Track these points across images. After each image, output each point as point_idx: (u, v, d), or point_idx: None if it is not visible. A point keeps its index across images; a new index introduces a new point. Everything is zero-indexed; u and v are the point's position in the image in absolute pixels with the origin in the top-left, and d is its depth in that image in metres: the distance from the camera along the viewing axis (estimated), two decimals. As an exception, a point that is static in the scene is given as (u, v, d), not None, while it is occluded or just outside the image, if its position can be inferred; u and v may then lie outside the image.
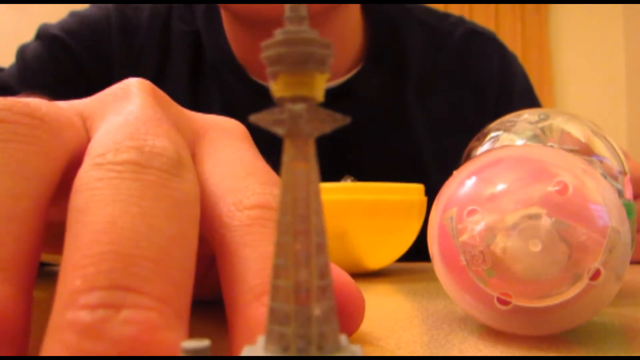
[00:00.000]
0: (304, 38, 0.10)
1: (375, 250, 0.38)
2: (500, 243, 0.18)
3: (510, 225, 0.18)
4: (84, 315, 0.11)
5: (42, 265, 0.32)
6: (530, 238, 0.18)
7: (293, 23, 0.10)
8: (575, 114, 0.26)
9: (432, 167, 0.59)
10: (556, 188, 0.18)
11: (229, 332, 0.15)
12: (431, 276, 0.36)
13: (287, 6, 0.10)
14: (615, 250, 0.18)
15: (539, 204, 0.18)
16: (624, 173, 0.24)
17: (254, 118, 0.10)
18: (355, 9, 0.57)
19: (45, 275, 0.28)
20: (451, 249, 0.20)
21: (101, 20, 0.58)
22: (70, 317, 0.11)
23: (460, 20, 0.66)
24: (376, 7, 0.60)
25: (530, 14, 3.16)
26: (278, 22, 0.10)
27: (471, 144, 0.27)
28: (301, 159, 0.10)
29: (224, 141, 0.21)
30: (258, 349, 0.10)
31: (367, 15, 0.60)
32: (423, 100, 0.60)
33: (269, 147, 0.21)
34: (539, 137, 0.24)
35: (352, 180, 0.40)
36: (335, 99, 0.54)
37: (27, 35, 0.61)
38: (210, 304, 0.22)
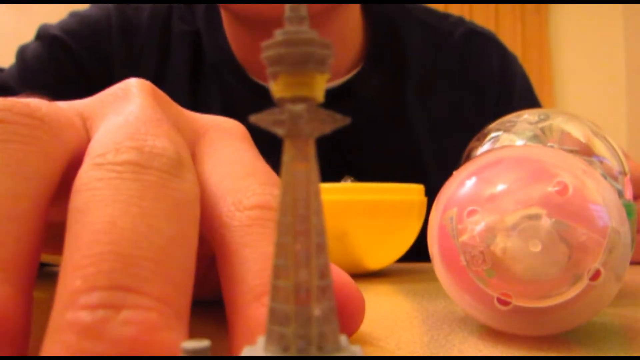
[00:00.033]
0: (304, 38, 0.10)
1: (375, 251, 0.38)
2: (500, 243, 0.18)
3: (510, 225, 0.18)
4: (84, 316, 0.11)
5: (43, 265, 0.32)
6: (530, 238, 0.18)
7: (293, 23, 0.10)
8: (575, 114, 0.26)
9: (432, 167, 0.59)
10: (556, 188, 0.18)
11: (229, 332, 0.15)
12: (431, 276, 0.36)
13: (287, 6, 0.10)
14: (615, 251, 0.18)
15: (539, 204, 0.18)
16: (624, 173, 0.24)
17: (253, 118, 0.10)
18: (355, 9, 0.57)
19: (45, 275, 0.28)
20: (451, 249, 0.20)
21: (101, 21, 0.58)
22: (70, 317, 0.11)
23: (460, 20, 0.66)
24: (376, 7, 0.60)
25: (530, 14, 3.16)
26: (278, 22, 0.10)
27: (471, 144, 0.27)
28: (301, 159, 0.10)
29: (224, 141, 0.21)
30: (258, 350, 0.10)
31: (367, 15, 0.60)
32: (423, 101, 0.60)
33: (269, 148, 0.21)
34: (539, 137, 0.24)
35: (352, 181, 0.40)
36: (335, 99, 0.54)
37: (27, 35, 0.61)
38: (210, 304, 0.22)
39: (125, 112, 0.17)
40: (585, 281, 0.18)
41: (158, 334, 0.12)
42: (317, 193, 0.10)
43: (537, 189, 0.18)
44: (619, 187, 0.24)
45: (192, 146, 0.20)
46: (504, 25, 3.13)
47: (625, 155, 0.26)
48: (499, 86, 0.63)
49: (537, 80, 2.92)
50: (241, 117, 0.21)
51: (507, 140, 0.25)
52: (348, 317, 0.17)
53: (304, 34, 0.10)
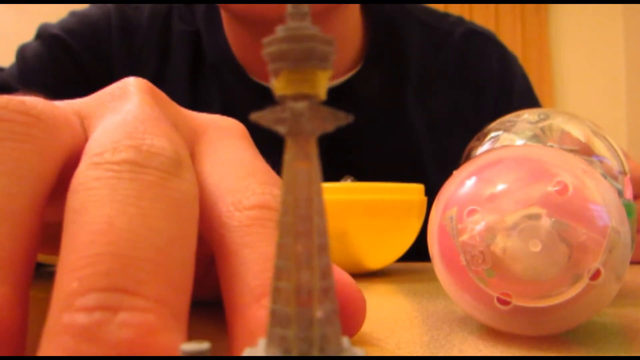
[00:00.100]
0: (306, 34, 0.10)
1: (375, 250, 0.38)
2: (500, 243, 0.18)
3: (510, 225, 0.18)
4: (81, 318, 0.11)
5: (42, 266, 0.32)
6: (530, 238, 0.18)
7: (295, 19, 0.10)
8: (575, 114, 0.26)
9: (432, 167, 0.59)
10: (556, 188, 0.18)
11: (229, 333, 0.15)
12: (431, 276, 0.36)
13: (288, 5, 0.10)
14: (615, 251, 0.18)
15: (539, 204, 0.18)
16: (624, 173, 0.24)
17: (254, 116, 0.10)
18: (354, 9, 0.57)
19: (46, 275, 0.28)
20: (451, 249, 0.20)
21: (101, 20, 0.58)
22: (66, 319, 0.11)
23: (460, 20, 0.66)
24: (376, 7, 0.60)
25: (530, 14, 3.16)
26: (278, 22, 0.10)
27: (471, 144, 0.27)
28: (303, 158, 0.10)
29: (223, 140, 0.21)
30: (259, 352, 0.10)
31: (366, 15, 0.60)
32: (423, 100, 0.60)
33: (269, 147, 0.21)
34: (539, 137, 0.24)
35: (352, 180, 0.40)
36: (334, 98, 0.54)
37: (27, 35, 0.61)
38: (210, 304, 0.22)
39: (123, 111, 0.17)
40: (585, 281, 0.18)
41: (156, 336, 0.11)
42: (319, 193, 0.10)
43: (537, 188, 0.18)
44: (619, 187, 0.24)
45: (191, 145, 0.20)
46: (504, 25, 3.13)
47: (625, 155, 0.26)
48: (498, 86, 0.63)
49: (537, 80, 2.92)
50: (241, 117, 0.21)
51: (507, 140, 0.25)
52: (349, 318, 0.17)
53: (306, 30, 0.10)
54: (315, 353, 0.10)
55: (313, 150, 0.10)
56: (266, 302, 0.14)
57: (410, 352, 0.18)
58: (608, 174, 0.23)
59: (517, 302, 0.18)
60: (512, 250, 0.18)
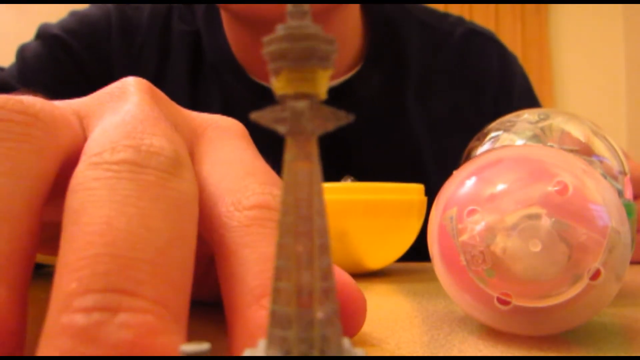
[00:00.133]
0: (306, 33, 0.10)
1: (375, 250, 0.38)
2: (500, 243, 0.18)
3: (510, 225, 0.18)
4: (79, 319, 0.11)
5: (41, 266, 0.32)
6: (530, 238, 0.18)
7: (295, 18, 0.10)
8: (575, 114, 0.26)
9: (432, 167, 0.59)
10: (556, 188, 0.18)
11: (229, 334, 0.15)
12: (431, 276, 0.36)
13: (289, 4, 0.10)
14: (615, 251, 0.18)
15: (539, 204, 0.18)
16: (624, 173, 0.24)
17: (254, 116, 0.10)
18: (354, 9, 0.57)
19: (46, 275, 0.28)
20: (451, 249, 0.20)
21: (101, 20, 0.58)
22: (65, 320, 0.11)
23: (460, 20, 0.66)
24: (376, 7, 0.60)
25: (530, 14, 3.16)
26: (278, 22, 0.10)
27: (471, 144, 0.27)
28: (303, 158, 0.10)
29: (223, 140, 0.21)
30: (259, 353, 0.10)
31: (366, 15, 0.60)
32: (423, 100, 0.60)
33: (269, 147, 0.21)
34: (539, 137, 0.24)
35: (352, 180, 0.40)
36: (334, 98, 0.54)
37: (27, 35, 0.61)
38: (209, 305, 0.22)
39: (122, 110, 0.17)
40: (585, 281, 0.18)
41: (155, 338, 0.11)
42: (319, 193, 0.10)
43: (537, 188, 0.18)
44: (619, 187, 0.24)
45: (191, 145, 0.20)
46: (504, 25, 3.13)
47: (625, 155, 0.26)
48: (498, 86, 0.63)
49: (537, 80, 2.92)
50: (241, 117, 0.21)
51: (507, 140, 0.25)
52: (349, 318, 0.17)
53: (307, 29, 0.10)
54: (315, 354, 0.10)
55: (314, 150, 0.10)
56: (266, 302, 0.14)
57: (410, 352, 0.18)
58: (608, 174, 0.23)
59: (517, 302, 0.18)
60: (512, 250, 0.18)
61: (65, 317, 0.11)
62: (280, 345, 0.10)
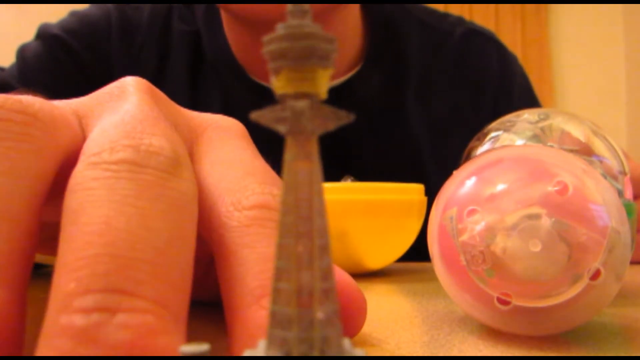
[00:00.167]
0: (306, 32, 0.10)
1: (375, 250, 0.38)
2: (500, 243, 0.18)
3: (510, 225, 0.18)
4: (78, 320, 0.11)
5: (41, 267, 0.32)
6: (530, 238, 0.18)
7: (295, 17, 0.10)
8: (575, 114, 0.26)
9: (432, 167, 0.59)
10: (556, 188, 0.18)
11: (228, 335, 0.15)
12: (431, 276, 0.36)
13: (289, 4, 0.10)
14: (615, 251, 0.18)
15: (539, 204, 0.18)
16: (624, 173, 0.24)
17: (254, 116, 0.10)
18: (354, 9, 0.57)
19: (45, 276, 0.28)
20: (451, 249, 0.20)
21: (101, 20, 0.58)
22: (64, 321, 0.11)
23: (460, 20, 0.66)
24: (376, 7, 0.60)
25: (530, 14, 3.16)
26: (278, 22, 0.10)
27: (471, 144, 0.27)
28: (304, 158, 0.10)
29: (222, 140, 0.20)
30: (259, 353, 0.10)
31: (366, 15, 0.60)
32: (423, 101, 0.60)
33: (269, 147, 0.21)
34: (539, 137, 0.24)
35: (352, 180, 0.40)
36: (334, 99, 0.54)
37: (27, 35, 0.61)
38: (209, 305, 0.22)
39: (122, 110, 0.17)
40: (585, 281, 0.18)
41: (155, 338, 0.11)
42: (320, 193, 0.10)
43: (537, 188, 0.18)
44: (619, 186, 0.24)
45: (190, 145, 0.20)
46: (504, 25, 3.13)
47: (625, 155, 0.26)
48: (498, 86, 0.63)
49: (537, 80, 2.92)
50: (241, 117, 0.21)
51: (507, 139, 0.25)
52: (350, 319, 0.17)
53: (307, 28, 0.10)
54: (316, 355, 0.10)
55: (314, 149, 0.10)
56: (266, 302, 0.14)
57: (410, 352, 0.18)
58: (608, 174, 0.23)
59: (517, 302, 0.18)
60: (512, 250, 0.18)
61: (65, 318, 0.11)
62: (280, 345, 0.10)
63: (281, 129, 0.10)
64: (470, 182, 0.20)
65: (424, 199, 0.39)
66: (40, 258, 0.21)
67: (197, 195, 0.16)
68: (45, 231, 0.16)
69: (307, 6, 0.10)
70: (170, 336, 0.12)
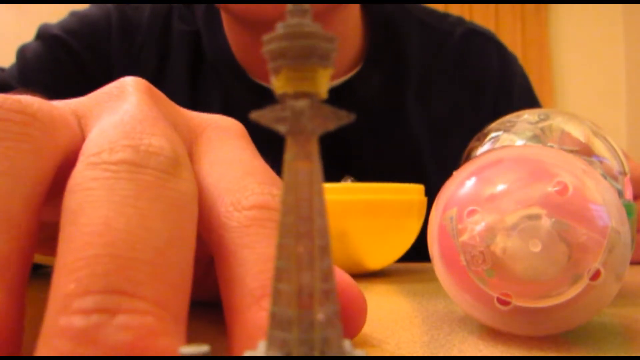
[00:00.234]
0: (306, 31, 0.10)
1: (375, 250, 0.38)
2: (500, 243, 0.18)
3: (510, 225, 0.18)
4: (78, 321, 0.11)
5: (40, 267, 0.31)
6: (530, 238, 0.18)
7: (295, 16, 0.10)
8: (575, 114, 0.26)
9: (432, 167, 0.59)
10: (556, 188, 0.18)
11: (228, 336, 0.15)
12: (431, 276, 0.36)
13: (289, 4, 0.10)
14: (615, 251, 0.18)
15: (539, 204, 0.18)
16: (624, 173, 0.24)
17: (254, 115, 0.10)
18: (354, 9, 0.57)
19: (45, 276, 0.28)
20: (451, 249, 0.20)
21: (101, 20, 0.58)
22: (63, 322, 0.11)
23: (460, 20, 0.66)
24: (376, 7, 0.60)
25: (530, 14, 3.16)
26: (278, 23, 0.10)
27: (471, 144, 0.27)
28: (304, 157, 0.10)
29: (222, 140, 0.20)
30: (259, 355, 0.10)
31: (366, 15, 0.60)
32: (423, 101, 0.60)
33: (268, 147, 0.21)
34: (539, 137, 0.24)
35: (352, 180, 0.40)
36: (334, 99, 0.54)
37: (27, 35, 0.61)
38: (209, 306, 0.22)
39: (121, 110, 0.17)
40: (585, 281, 0.18)
41: (155, 339, 0.11)
42: (320, 193, 0.10)
43: (537, 188, 0.18)
44: (619, 187, 0.24)
45: (190, 145, 0.20)
46: (504, 25, 3.13)
47: (625, 155, 0.26)
48: (498, 86, 0.63)
49: (537, 80, 2.92)
50: (241, 117, 0.21)
51: (507, 140, 0.25)
52: (350, 320, 0.17)
53: (307, 27, 0.10)
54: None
55: (314, 149, 0.10)
56: (266, 303, 0.14)
57: (410, 352, 0.18)
58: (608, 174, 0.23)
59: (517, 302, 0.18)
60: (512, 250, 0.18)
61: (64, 319, 0.11)
62: (280, 347, 0.10)
63: (281, 128, 0.10)
64: (470, 182, 0.20)
65: (424, 199, 0.39)
66: (39, 258, 0.21)
67: (197, 195, 0.16)
68: (45, 231, 0.16)
69: (307, 5, 0.10)
70: (170, 337, 0.12)
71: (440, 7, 0.68)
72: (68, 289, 0.11)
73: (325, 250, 0.10)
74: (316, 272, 0.10)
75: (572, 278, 0.18)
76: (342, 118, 0.10)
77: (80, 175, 0.14)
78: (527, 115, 0.26)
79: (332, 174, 0.35)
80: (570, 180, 0.18)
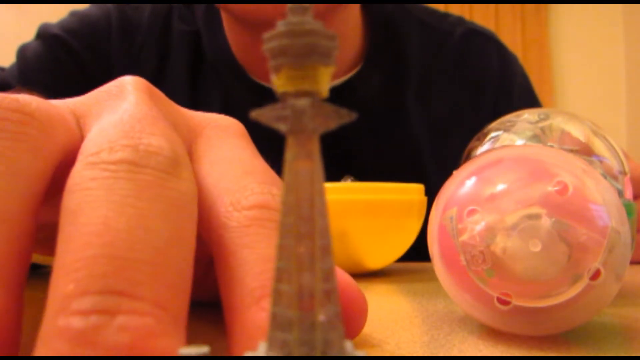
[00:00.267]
0: (307, 29, 0.10)
1: (375, 250, 0.38)
2: (500, 243, 0.18)
3: (510, 225, 0.18)
4: (77, 322, 0.11)
5: (38, 267, 0.31)
6: (530, 238, 0.18)
7: (296, 14, 0.10)
8: (575, 114, 0.26)
9: (432, 167, 0.59)
10: (556, 188, 0.18)
11: (228, 336, 0.15)
12: (431, 276, 0.36)
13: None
14: (615, 251, 0.18)
15: (539, 204, 0.18)
16: (624, 173, 0.24)
17: (255, 114, 0.10)
18: (354, 9, 0.57)
19: (44, 276, 0.28)
20: (451, 249, 0.20)
21: (101, 20, 0.58)
22: (62, 323, 0.11)
23: (460, 20, 0.66)
24: (376, 7, 0.60)
25: (530, 14, 3.16)
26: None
27: (471, 144, 0.27)
28: (305, 157, 0.10)
29: (222, 139, 0.20)
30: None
31: (366, 15, 0.60)
32: (423, 101, 0.60)
33: (268, 147, 0.21)
34: (539, 137, 0.24)
35: (352, 180, 0.40)
36: (334, 99, 0.54)
37: (27, 35, 0.61)
38: (209, 306, 0.22)
39: (120, 109, 0.17)
40: (585, 281, 0.18)
41: (154, 341, 0.11)
42: (321, 193, 0.10)
43: (537, 188, 0.18)
44: (619, 186, 0.24)
45: (189, 144, 0.20)
46: (504, 25, 3.13)
47: (625, 155, 0.26)
48: (498, 86, 0.63)
49: (537, 80, 2.92)
50: (241, 117, 0.21)
51: (507, 139, 0.25)
52: (350, 320, 0.17)
53: (308, 25, 0.10)
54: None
55: (315, 148, 0.10)
56: (266, 304, 0.14)
57: (410, 352, 0.18)
58: (608, 174, 0.23)
59: (517, 302, 0.18)
60: (512, 250, 0.18)
61: (62, 320, 0.11)
62: (280, 348, 0.10)
63: (282, 127, 0.10)
64: (470, 182, 0.20)
65: (424, 199, 0.39)
66: (38, 258, 0.21)
67: (197, 195, 0.16)
68: (44, 231, 0.16)
69: (308, 4, 0.10)
70: (169, 338, 0.12)
71: (440, 7, 0.68)
72: (67, 290, 0.11)
73: (326, 250, 0.10)
74: (317, 273, 0.10)
75: (572, 278, 0.18)
76: (343, 117, 0.10)
77: (79, 175, 0.14)
78: (527, 115, 0.26)
79: (332, 174, 0.35)
80: (570, 180, 0.18)
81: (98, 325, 0.11)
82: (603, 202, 0.18)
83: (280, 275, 0.10)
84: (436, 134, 0.60)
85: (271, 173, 0.19)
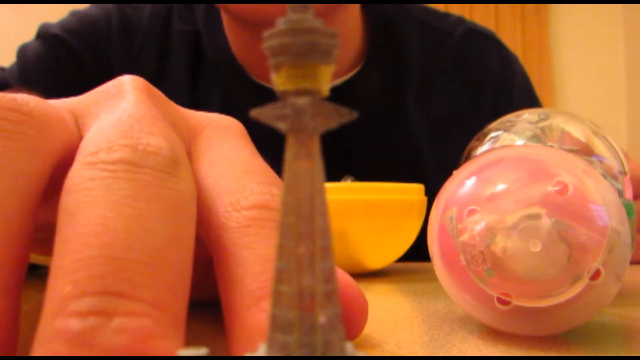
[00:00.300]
0: (308, 27, 0.09)
1: (375, 250, 0.38)
2: (500, 243, 0.18)
3: (510, 225, 0.18)
4: (74, 324, 0.11)
5: (37, 267, 0.31)
6: (530, 238, 0.18)
7: (297, 11, 0.10)
8: (575, 114, 0.26)
9: (432, 167, 0.59)
10: (556, 188, 0.18)
11: (227, 337, 0.15)
12: (431, 276, 0.36)
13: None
14: (615, 251, 0.18)
15: (539, 204, 0.18)
16: (624, 173, 0.24)
17: (255, 113, 0.10)
18: (355, 9, 0.57)
19: (42, 276, 0.28)
20: (451, 249, 0.20)
21: (101, 20, 0.58)
22: (59, 325, 0.11)
23: (460, 20, 0.66)
24: (376, 7, 0.60)
25: (530, 14, 3.16)
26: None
27: (471, 144, 0.27)
28: (305, 156, 0.10)
29: (221, 139, 0.20)
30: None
31: (366, 15, 0.60)
32: (423, 101, 0.60)
33: (268, 147, 0.21)
34: (539, 137, 0.24)
35: (352, 180, 0.40)
36: (334, 99, 0.54)
37: (27, 35, 0.61)
38: (208, 306, 0.22)
39: (119, 109, 0.17)
40: (585, 281, 0.18)
41: (153, 342, 0.11)
42: (321, 192, 0.10)
43: (537, 188, 0.18)
44: (619, 186, 0.24)
45: (188, 144, 0.20)
46: (504, 25, 3.13)
47: (625, 155, 0.26)
48: (498, 86, 0.63)
49: (537, 80, 2.92)
50: (241, 117, 0.21)
51: (507, 139, 0.25)
52: (351, 321, 0.17)
53: (308, 23, 0.09)
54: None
55: (315, 148, 0.10)
56: (265, 305, 0.14)
57: (410, 352, 0.18)
58: (608, 174, 0.23)
59: (517, 302, 0.18)
60: (512, 250, 0.18)
61: (60, 322, 0.11)
62: (281, 350, 0.09)
63: (282, 126, 0.10)
64: (470, 182, 0.20)
65: (424, 199, 0.39)
66: (36, 258, 0.21)
67: (196, 195, 0.16)
68: (42, 232, 0.16)
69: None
70: (168, 340, 0.11)
71: (440, 7, 0.68)
72: (64, 291, 0.11)
73: (326, 251, 0.10)
74: (317, 274, 0.10)
75: (572, 278, 0.18)
76: (344, 115, 0.10)
77: (77, 175, 0.14)
78: (527, 115, 0.26)
79: (332, 174, 0.35)
80: (570, 180, 0.18)
81: (96, 326, 0.11)
82: (603, 202, 0.18)
83: (280, 276, 0.10)
84: (436, 134, 0.60)
85: (271, 173, 0.19)
